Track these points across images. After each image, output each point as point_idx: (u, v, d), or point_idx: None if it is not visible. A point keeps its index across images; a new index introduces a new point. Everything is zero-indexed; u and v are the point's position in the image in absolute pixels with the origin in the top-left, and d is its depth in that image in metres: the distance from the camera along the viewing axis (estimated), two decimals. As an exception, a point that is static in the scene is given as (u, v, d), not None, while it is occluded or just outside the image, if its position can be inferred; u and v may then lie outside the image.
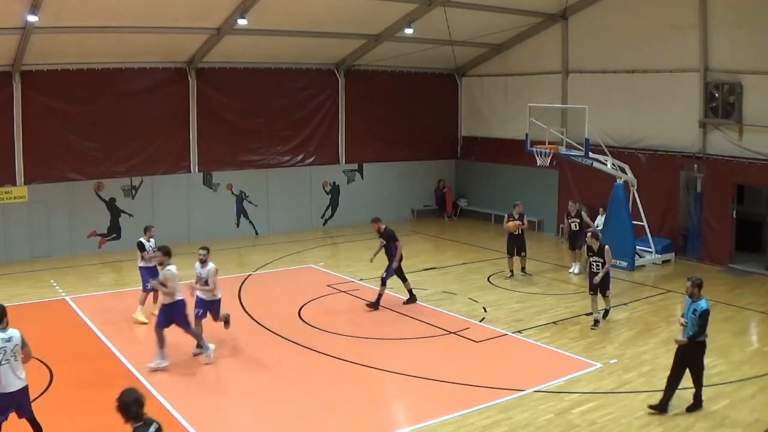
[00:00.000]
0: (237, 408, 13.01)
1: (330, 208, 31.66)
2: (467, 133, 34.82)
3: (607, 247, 17.49)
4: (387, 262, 19.41)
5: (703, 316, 12.30)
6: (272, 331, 17.29)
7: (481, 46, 31.41)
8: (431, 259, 25.25)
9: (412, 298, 19.65)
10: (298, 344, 16.39)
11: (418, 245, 27.62)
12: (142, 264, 18.35)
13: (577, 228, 22.47)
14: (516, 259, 22.58)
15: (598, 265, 17.58)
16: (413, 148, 33.37)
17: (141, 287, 18.25)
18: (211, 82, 28.42)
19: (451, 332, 17.18)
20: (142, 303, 18.06)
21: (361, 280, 21.69)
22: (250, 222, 29.65)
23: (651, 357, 15.50)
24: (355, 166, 32.26)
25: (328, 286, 21.44)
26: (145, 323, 17.67)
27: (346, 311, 19.32)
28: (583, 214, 22.83)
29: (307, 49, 28.68)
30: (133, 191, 27.08)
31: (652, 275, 23.03)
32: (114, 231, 26.83)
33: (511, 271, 22.55)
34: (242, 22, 23.23)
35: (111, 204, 26.71)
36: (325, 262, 24.85)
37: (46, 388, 13.76)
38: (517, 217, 22.47)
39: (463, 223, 32.60)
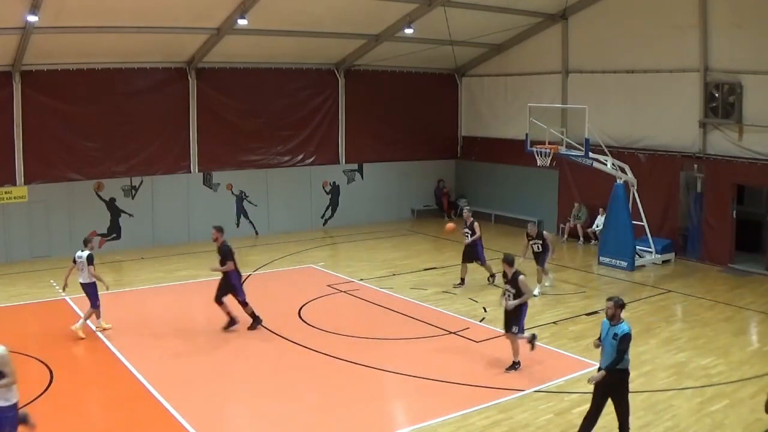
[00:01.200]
0: (236, 407, 13.01)
1: (330, 208, 31.66)
2: (467, 133, 34.82)
3: (522, 277, 14.71)
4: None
5: (625, 341, 11.11)
6: (272, 331, 17.28)
7: (481, 46, 31.40)
8: (431, 259, 25.23)
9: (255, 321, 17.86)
10: (298, 344, 16.38)
11: (418, 245, 27.67)
12: (85, 280, 17.34)
13: (540, 250, 20.74)
14: (468, 267, 21.83)
15: (510, 295, 14.81)
16: (413, 148, 33.38)
17: (91, 303, 17.27)
18: (212, 82, 28.45)
19: (451, 332, 17.18)
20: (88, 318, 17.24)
21: (362, 280, 21.68)
22: (250, 222, 29.67)
23: (651, 357, 15.48)
24: (355, 166, 32.28)
25: (328, 285, 21.42)
26: (83, 338, 16.81)
27: (346, 311, 19.36)
28: (545, 234, 21.24)
29: (307, 49, 28.70)
30: (133, 191, 27.10)
31: (652, 275, 23.00)
32: (114, 231, 26.87)
33: (462, 279, 21.73)
34: (242, 22, 23.22)
35: (111, 204, 26.75)
36: (325, 262, 24.84)
37: (46, 389, 13.76)
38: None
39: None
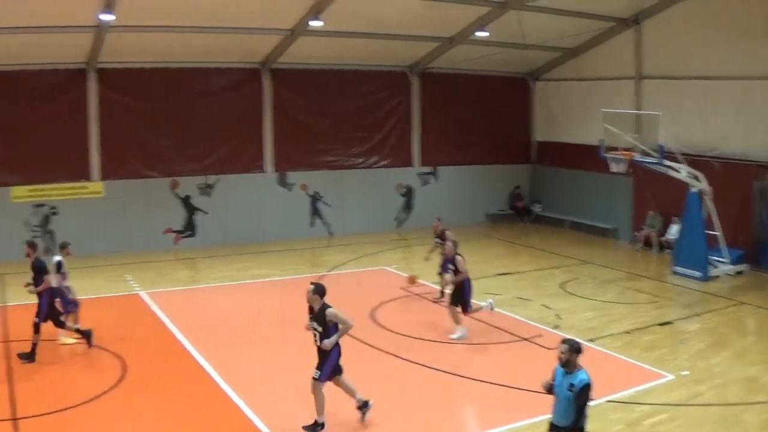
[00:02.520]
0: (307, 405, 12.97)
1: (404, 210, 31.73)
2: (541, 137, 34.37)
3: (331, 310, 11.75)
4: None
5: (583, 394, 8.98)
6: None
7: (555, 50, 30.90)
8: (505, 264, 24.89)
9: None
10: (371, 346, 16.28)
11: (492, 249, 27.40)
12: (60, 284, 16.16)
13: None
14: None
15: (316, 335, 11.98)
16: (487, 151, 33.01)
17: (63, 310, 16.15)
18: (285, 82, 28.67)
19: (523, 339, 16.92)
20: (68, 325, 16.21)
21: (435, 283, 21.79)
22: (325, 222, 29.88)
23: (723, 370, 14.93)
24: (429, 169, 32.22)
25: (401, 288, 21.35)
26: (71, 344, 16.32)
27: (418, 314, 19.14)
28: (448, 234, 19.41)
29: (380, 51, 28.66)
30: (209, 189, 27.53)
31: (726, 286, 22.23)
32: (189, 228, 27.35)
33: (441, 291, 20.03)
34: (316, 23, 23.33)
35: (186, 201, 27.21)
36: (398, 264, 24.79)
37: (118, 382, 14.00)
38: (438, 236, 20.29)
39: (537, 228, 32.15)
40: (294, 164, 29.21)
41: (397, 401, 13.50)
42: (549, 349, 15.95)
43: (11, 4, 20.05)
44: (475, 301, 17.34)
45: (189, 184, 27.29)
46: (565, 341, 9.22)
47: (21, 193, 24.99)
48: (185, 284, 22.23)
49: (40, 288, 15.33)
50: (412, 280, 21.47)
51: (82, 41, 23.49)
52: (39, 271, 15.45)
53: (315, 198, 29.65)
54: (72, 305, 16.44)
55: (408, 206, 31.82)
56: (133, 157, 26.35)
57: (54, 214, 25.38)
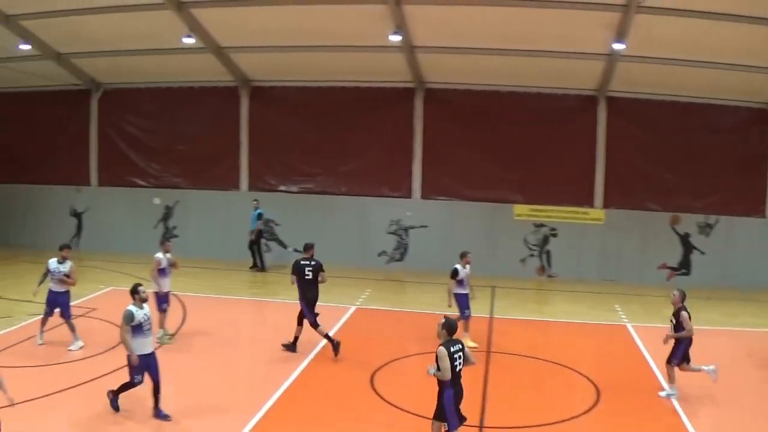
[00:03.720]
0: None
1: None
2: None
3: (440, 350, 10.49)
4: None
5: None
6: None
7: None
8: None
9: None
10: None
11: None
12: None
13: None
14: None
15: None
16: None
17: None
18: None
19: None
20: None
21: None
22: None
23: None
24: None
25: None
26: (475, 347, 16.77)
27: None
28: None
29: (715, 82, 24.27)
30: (708, 229, 26.19)
31: None
32: (684, 266, 26.26)
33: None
34: None
35: (685, 239, 26.18)
36: None
37: (589, 408, 13.69)
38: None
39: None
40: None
41: None
42: None
43: (531, 29, 21.36)
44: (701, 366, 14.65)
45: (689, 222, 26.21)
46: None
47: (522, 211, 26.30)
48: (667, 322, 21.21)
49: None
50: None
51: (594, 68, 23.91)
52: None
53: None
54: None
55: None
56: (636, 188, 26.14)
57: (553, 235, 26.21)
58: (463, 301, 17.57)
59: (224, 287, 24.01)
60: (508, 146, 26.55)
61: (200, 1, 22.34)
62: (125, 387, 12.65)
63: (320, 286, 16.53)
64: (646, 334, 19.03)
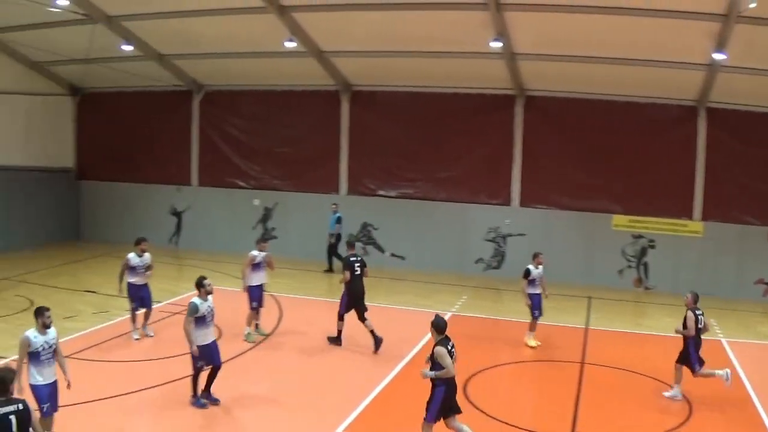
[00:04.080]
0: None
1: None
2: None
3: (438, 349, 11.13)
4: None
5: None
6: None
7: None
8: None
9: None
10: None
11: None
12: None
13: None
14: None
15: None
16: None
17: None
18: None
19: None
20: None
21: None
22: None
23: None
24: None
25: None
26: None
27: None
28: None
29: None
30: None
31: None
32: (781, 283, 25.65)
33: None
34: None
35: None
36: None
37: (680, 424, 13.69)
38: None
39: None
40: None
41: None
42: None
43: (631, 37, 21.34)
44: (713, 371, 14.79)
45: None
46: None
47: (621, 221, 26.19)
48: (766, 339, 20.97)
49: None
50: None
51: (694, 78, 23.64)
52: None
53: None
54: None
55: None
56: (735, 201, 25.67)
57: (652, 247, 26.08)
58: (535, 301, 18.20)
59: (322, 289, 24.58)
60: (607, 155, 26.47)
61: (302, 5, 22.90)
62: (194, 379, 13.32)
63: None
64: (741, 350, 18.86)
